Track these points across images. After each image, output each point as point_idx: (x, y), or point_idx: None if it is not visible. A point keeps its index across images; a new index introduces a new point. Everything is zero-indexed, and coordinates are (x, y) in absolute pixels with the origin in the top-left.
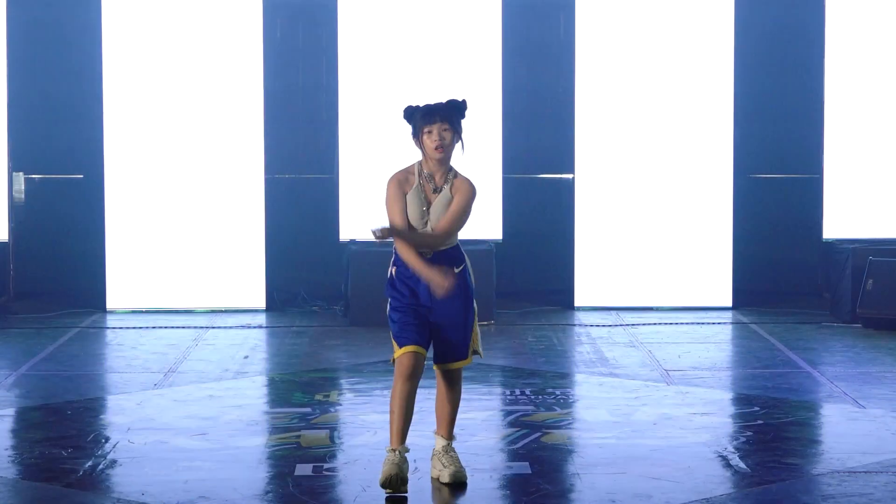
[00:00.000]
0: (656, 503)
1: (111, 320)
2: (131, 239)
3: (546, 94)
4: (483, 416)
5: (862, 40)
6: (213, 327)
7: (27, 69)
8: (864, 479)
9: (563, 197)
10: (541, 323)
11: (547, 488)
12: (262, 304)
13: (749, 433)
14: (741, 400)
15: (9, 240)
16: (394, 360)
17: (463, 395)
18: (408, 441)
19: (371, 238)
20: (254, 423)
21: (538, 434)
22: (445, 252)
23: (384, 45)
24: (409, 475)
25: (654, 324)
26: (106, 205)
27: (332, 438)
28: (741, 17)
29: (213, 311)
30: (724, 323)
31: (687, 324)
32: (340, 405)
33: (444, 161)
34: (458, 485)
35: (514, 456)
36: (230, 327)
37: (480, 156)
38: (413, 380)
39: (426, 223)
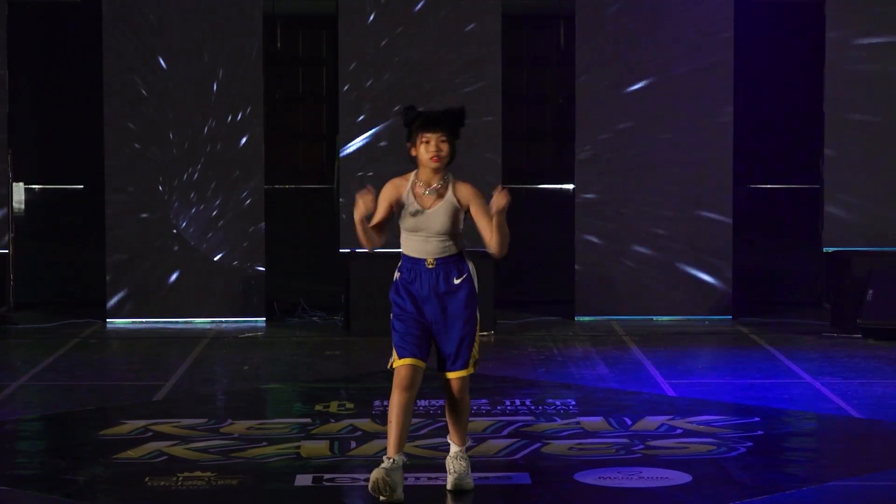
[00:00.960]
0: None
1: (111, 331)
2: (131, 249)
3: (546, 104)
4: (483, 427)
5: (862, 49)
6: (214, 338)
7: (28, 79)
8: (865, 490)
9: (563, 207)
10: (541, 333)
11: (547, 499)
12: (262, 314)
13: (749, 443)
14: (741, 410)
15: (9, 250)
16: (391, 365)
17: None
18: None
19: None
20: (254, 433)
21: (538, 444)
22: (446, 259)
23: (385, 54)
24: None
25: (654, 334)
26: (106, 215)
27: (332, 449)
28: (741, 25)
29: (213, 322)
30: (724, 333)
31: (687, 333)
32: (340, 415)
33: (439, 170)
34: (459, 493)
35: (514, 466)
36: (230, 338)
37: (480, 166)
38: (409, 391)
39: (418, 229)
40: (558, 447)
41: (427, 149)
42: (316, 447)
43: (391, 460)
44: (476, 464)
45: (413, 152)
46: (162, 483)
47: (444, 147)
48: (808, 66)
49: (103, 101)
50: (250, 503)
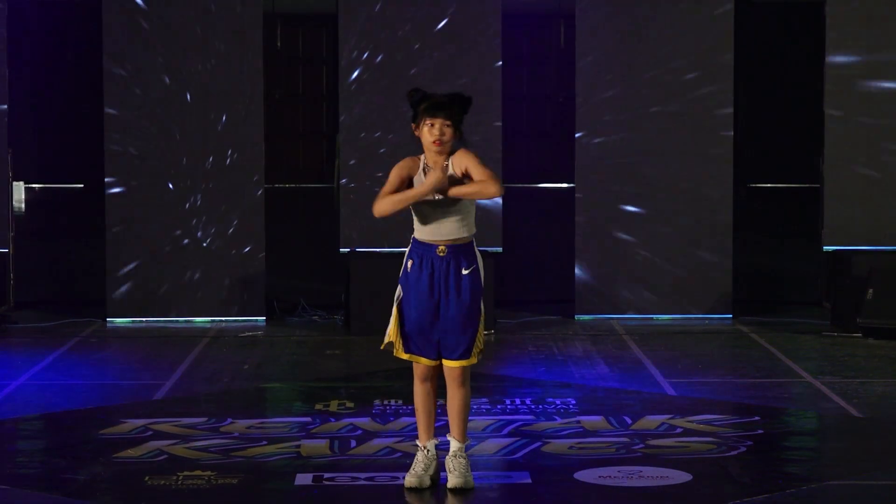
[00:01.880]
0: None
1: (111, 330)
2: (131, 249)
3: (546, 104)
4: (483, 426)
5: (861, 48)
6: (214, 337)
7: (27, 78)
8: (865, 489)
9: (563, 206)
10: (541, 332)
11: (547, 498)
12: (262, 313)
13: (749, 443)
14: (741, 409)
15: (9, 249)
16: (385, 345)
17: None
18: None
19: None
20: (254, 432)
21: (538, 444)
22: (460, 247)
23: (385, 53)
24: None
25: (655, 333)
26: (106, 214)
27: (332, 448)
28: (741, 25)
29: (213, 321)
30: (725, 332)
31: (687, 333)
32: (340, 414)
33: (442, 153)
34: (460, 491)
35: (514, 465)
36: (230, 337)
37: None
38: (429, 381)
39: (432, 208)
40: (558, 446)
41: (431, 132)
42: (316, 446)
43: (426, 451)
44: (476, 463)
45: (417, 133)
46: (162, 482)
47: (448, 131)
48: (808, 67)
49: (103, 100)
50: (250, 502)
